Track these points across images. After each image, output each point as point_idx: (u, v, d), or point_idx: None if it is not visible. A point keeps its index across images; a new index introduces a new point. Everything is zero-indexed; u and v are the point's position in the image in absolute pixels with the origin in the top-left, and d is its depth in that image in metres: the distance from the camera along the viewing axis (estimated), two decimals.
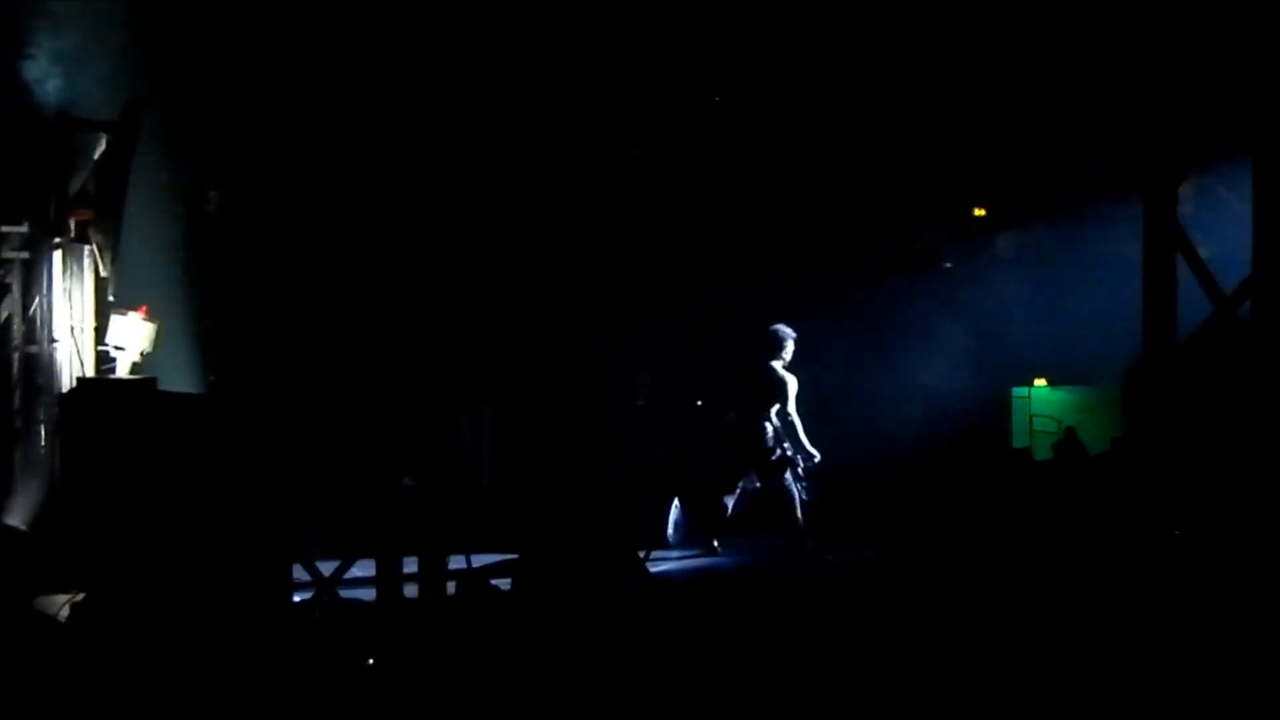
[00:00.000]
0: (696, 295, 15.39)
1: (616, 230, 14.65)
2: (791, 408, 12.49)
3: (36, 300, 10.57)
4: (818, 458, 12.54)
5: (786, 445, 12.48)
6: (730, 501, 12.65)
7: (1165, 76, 7.92)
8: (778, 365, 12.59)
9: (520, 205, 13.90)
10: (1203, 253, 10.10)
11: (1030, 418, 16.31)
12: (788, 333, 12.70)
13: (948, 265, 16.76)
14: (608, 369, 15.02)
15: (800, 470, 12.52)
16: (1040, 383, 16.57)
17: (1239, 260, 8.71)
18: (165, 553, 8.38)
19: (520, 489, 13.41)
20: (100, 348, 10.73)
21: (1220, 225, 9.09)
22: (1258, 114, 7.53)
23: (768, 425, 12.50)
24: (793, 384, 12.54)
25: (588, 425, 14.53)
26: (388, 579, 8.93)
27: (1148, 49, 8.13)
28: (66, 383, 10.48)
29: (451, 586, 9.16)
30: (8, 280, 10.54)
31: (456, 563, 9.41)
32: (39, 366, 10.62)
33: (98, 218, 10.49)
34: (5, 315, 10.55)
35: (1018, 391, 16.50)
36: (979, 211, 16.67)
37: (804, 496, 12.54)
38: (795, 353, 12.66)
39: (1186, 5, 7.91)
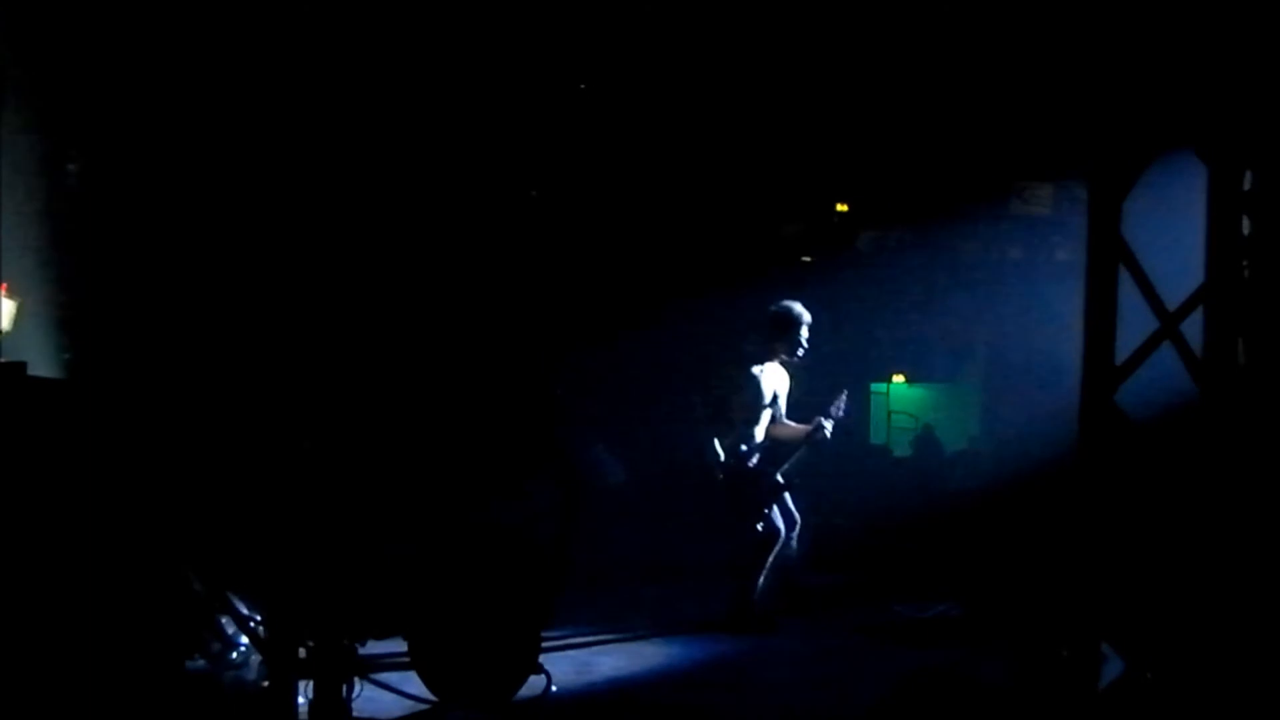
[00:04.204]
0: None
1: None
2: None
3: None
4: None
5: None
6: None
7: (1115, 80, 7.69)
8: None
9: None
10: None
11: (888, 413, 16.53)
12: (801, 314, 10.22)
13: (807, 259, 16.82)
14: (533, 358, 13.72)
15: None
16: (898, 379, 16.79)
17: (1172, 274, 8.49)
18: (38, 549, 8.01)
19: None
20: None
21: (1149, 238, 8.92)
22: (1214, 122, 7.33)
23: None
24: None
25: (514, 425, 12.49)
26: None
27: (1095, 48, 7.90)
28: None
29: None
30: None
31: None
32: None
33: None
34: None
35: (876, 387, 16.70)
36: (841, 206, 16.76)
37: None
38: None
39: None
